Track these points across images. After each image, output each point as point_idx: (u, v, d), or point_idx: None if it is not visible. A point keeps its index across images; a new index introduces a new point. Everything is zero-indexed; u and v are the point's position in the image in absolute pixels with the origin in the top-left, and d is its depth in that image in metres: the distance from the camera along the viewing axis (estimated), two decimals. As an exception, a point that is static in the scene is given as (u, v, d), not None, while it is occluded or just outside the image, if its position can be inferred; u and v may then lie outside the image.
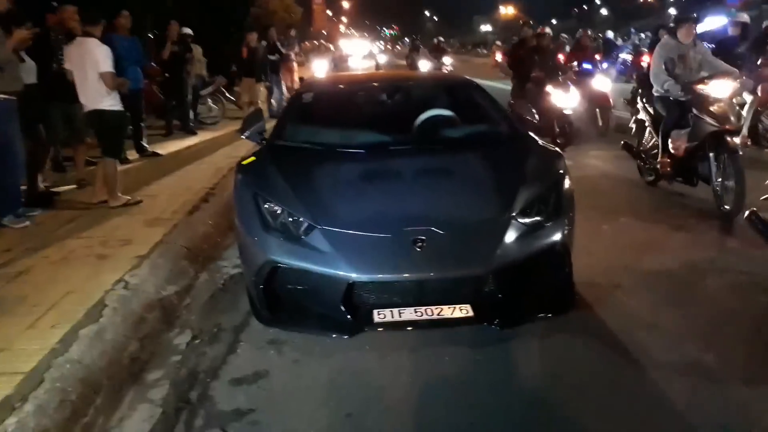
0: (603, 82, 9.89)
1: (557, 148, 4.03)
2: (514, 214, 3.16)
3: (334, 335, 3.04)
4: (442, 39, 22.58)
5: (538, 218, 3.20)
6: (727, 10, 18.51)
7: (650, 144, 6.24)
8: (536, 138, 4.14)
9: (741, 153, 5.02)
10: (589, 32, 13.05)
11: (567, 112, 8.41)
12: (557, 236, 3.17)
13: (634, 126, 6.79)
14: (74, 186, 6.09)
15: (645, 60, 13.50)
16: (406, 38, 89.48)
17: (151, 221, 4.90)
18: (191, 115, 10.14)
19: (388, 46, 48.79)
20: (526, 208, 3.21)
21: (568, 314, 3.22)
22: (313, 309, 3.12)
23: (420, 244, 2.98)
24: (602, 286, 3.76)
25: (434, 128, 4.21)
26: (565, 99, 8.45)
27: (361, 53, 40.99)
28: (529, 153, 3.86)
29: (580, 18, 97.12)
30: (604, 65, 11.02)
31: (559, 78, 8.78)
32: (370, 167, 3.69)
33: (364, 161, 3.78)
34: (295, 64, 13.65)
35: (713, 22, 14.11)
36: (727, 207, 5.00)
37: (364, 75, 7.69)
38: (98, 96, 5.15)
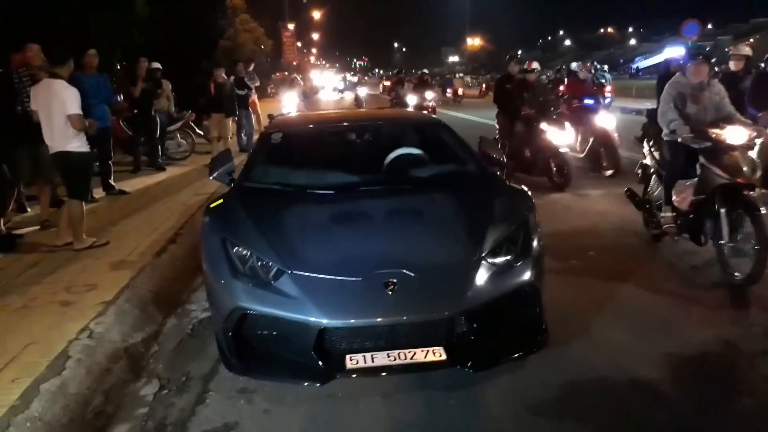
0: (606, 119, 9.13)
1: (524, 188, 4.05)
2: (483, 254, 3.18)
3: (305, 383, 2.98)
4: (426, 71, 21.07)
5: (507, 258, 3.23)
6: (685, 41, 19.24)
7: (656, 193, 5.49)
8: (503, 177, 4.20)
9: (765, 211, 4.21)
10: (589, 65, 12.20)
11: (563, 150, 7.97)
12: (527, 275, 3.19)
13: (639, 171, 5.96)
14: (37, 227, 5.95)
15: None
16: (376, 69, 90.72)
17: (117, 264, 4.80)
18: (159, 150, 10.05)
19: (360, 77, 48.97)
20: (495, 248, 3.23)
21: (542, 352, 3.23)
22: (284, 356, 3.06)
23: (391, 287, 2.97)
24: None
25: (403, 168, 4.24)
26: (560, 137, 8.00)
27: (334, 85, 40.90)
28: (497, 192, 3.91)
29: (545, 49, 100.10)
30: (607, 99, 10.23)
31: (553, 115, 8.38)
32: (340, 209, 3.69)
33: (334, 203, 3.77)
34: (255, 98, 13.60)
35: (672, 53, 14.60)
36: (737, 275, 4.32)
37: (332, 114, 7.71)
38: (64, 138, 5.06)
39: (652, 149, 5.62)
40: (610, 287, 4.48)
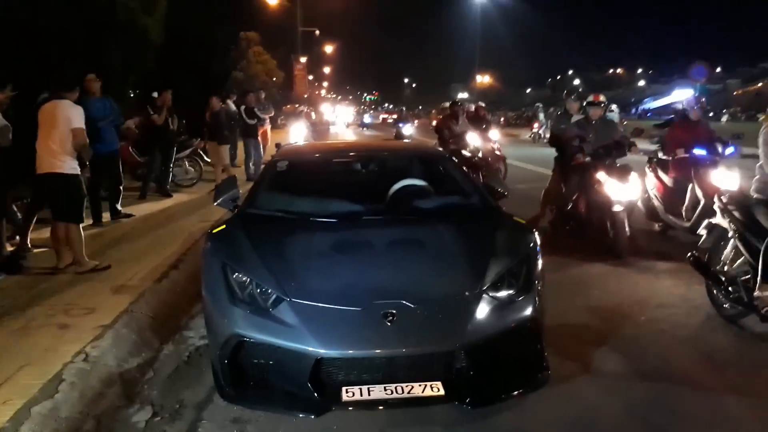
0: (728, 178, 6.60)
1: (528, 225, 4.01)
2: (485, 288, 3.15)
3: (300, 414, 2.92)
4: (482, 104, 14.53)
5: (509, 292, 3.19)
6: (693, 84, 19.41)
7: (736, 263, 4.36)
8: (506, 211, 4.18)
9: None
10: (704, 101, 9.14)
11: (617, 208, 6.21)
12: (528, 311, 3.15)
13: (704, 232, 4.85)
14: (43, 249, 5.94)
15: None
16: (386, 103, 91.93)
17: (117, 288, 4.78)
18: (169, 177, 10.14)
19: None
20: (497, 281, 3.20)
21: (542, 390, 3.16)
22: (279, 386, 3.00)
23: (390, 318, 2.93)
24: None
25: (407, 198, 4.24)
26: (620, 191, 6.27)
27: (347, 120, 42.03)
28: (500, 226, 3.88)
29: (554, 88, 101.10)
30: (729, 149, 7.00)
31: (615, 162, 6.67)
32: (342, 238, 3.68)
33: (336, 231, 3.76)
34: (267, 129, 13.79)
35: (681, 95, 14.66)
36: None
37: (338, 144, 7.77)
38: (58, 159, 5.08)
39: (730, 207, 4.44)
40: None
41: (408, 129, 18.08)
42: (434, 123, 18.04)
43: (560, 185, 7.34)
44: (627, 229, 6.27)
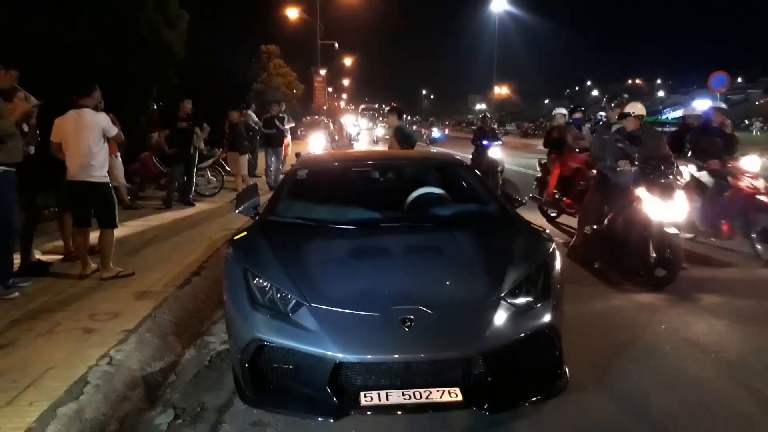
0: (751, 162, 6.56)
1: (544, 229, 4.02)
2: (503, 294, 3.16)
3: (319, 418, 2.95)
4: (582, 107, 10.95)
5: (527, 299, 3.20)
6: (713, 94, 19.21)
7: None
8: (524, 218, 4.19)
9: None
10: None
11: (671, 231, 5.42)
12: (547, 317, 3.15)
13: None
14: (61, 257, 6.07)
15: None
16: (404, 115, 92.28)
17: (141, 294, 4.87)
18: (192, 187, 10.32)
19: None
20: (514, 288, 3.22)
21: (561, 397, 3.16)
22: (298, 390, 3.04)
23: (408, 323, 2.96)
24: None
25: (425, 206, 4.28)
26: (667, 211, 5.49)
27: (377, 132, 34.35)
28: (518, 233, 3.90)
29: (572, 98, 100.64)
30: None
31: (661, 178, 5.73)
32: (361, 244, 3.72)
33: (355, 238, 3.81)
34: (288, 139, 14.00)
35: (701, 105, 14.49)
36: None
37: (357, 153, 7.82)
38: (91, 168, 5.21)
39: None
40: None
41: (496, 151, 12.02)
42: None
43: (601, 203, 6.38)
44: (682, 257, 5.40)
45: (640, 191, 5.66)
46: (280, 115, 12.77)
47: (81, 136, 5.18)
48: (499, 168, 11.71)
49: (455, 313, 3.08)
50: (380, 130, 36.80)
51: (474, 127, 15.86)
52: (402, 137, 7.34)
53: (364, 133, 34.04)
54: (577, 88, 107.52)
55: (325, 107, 35.06)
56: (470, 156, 12.60)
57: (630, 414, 3.19)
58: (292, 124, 14.10)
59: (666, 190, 5.61)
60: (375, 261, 3.54)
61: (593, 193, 6.58)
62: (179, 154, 9.77)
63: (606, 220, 6.15)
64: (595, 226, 6.31)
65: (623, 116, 6.16)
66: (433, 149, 19.55)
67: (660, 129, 10.35)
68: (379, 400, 2.86)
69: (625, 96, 7.89)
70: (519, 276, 3.28)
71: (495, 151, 11.85)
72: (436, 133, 38.51)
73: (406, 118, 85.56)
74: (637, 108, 6.07)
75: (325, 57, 36.44)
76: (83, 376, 3.29)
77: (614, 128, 6.55)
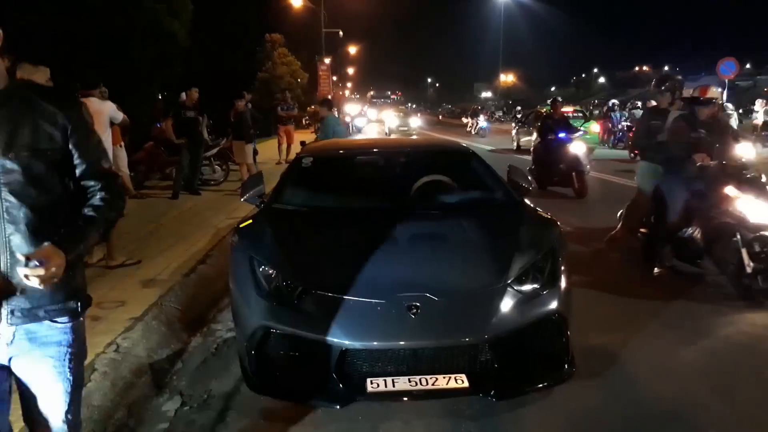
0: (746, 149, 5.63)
1: (551, 216, 3.99)
2: (509, 281, 3.15)
3: (326, 405, 2.96)
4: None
5: (534, 286, 3.19)
6: (721, 80, 19.04)
7: None
8: (531, 205, 4.17)
9: None
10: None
11: None
12: (554, 304, 3.14)
13: None
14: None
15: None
16: (409, 103, 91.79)
17: (147, 282, 4.88)
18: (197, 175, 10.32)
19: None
20: (521, 275, 3.20)
21: (568, 383, 3.15)
22: (305, 377, 3.05)
23: (414, 310, 2.95)
24: None
25: (431, 193, 4.25)
26: (760, 211, 4.67)
27: (391, 123, 28.76)
28: (525, 220, 3.88)
29: (579, 86, 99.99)
30: None
31: (747, 173, 4.96)
32: (366, 231, 3.70)
33: (360, 225, 3.79)
34: (291, 128, 14.02)
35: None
36: None
37: (362, 141, 7.81)
38: None
39: None
40: None
41: (579, 146, 9.60)
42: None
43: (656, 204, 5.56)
44: None
45: (729, 189, 4.80)
46: (287, 103, 12.78)
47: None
48: (587, 167, 9.16)
49: (461, 300, 3.07)
50: (394, 120, 29.60)
51: (521, 116, 13.52)
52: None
53: (374, 125, 27.64)
54: (583, 75, 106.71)
55: (329, 96, 35.00)
56: (530, 155, 10.33)
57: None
58: (295, 113, 14.05)
59: (758, 186, 4.82)
60: (381, 248, 3.52)
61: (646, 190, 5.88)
62: (187, 143, 9.75)
63: (681, 222, 5.23)
64: (648, 227, 5.70)
65: (694, 101, 5.30)
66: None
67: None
68: (386, 386, 2.85)
69: (678, 77, 6.99)
70: (526, 263, 3.26)
71: (578, 146, 9.23)
72: (482, 122, 30.20)
73: (411, 106, 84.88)
74: (717, 93, 5.34)
75: (330, 46, 36.27)
76: (90, 363, 3.29)
77: (672, 115, 5.71)
